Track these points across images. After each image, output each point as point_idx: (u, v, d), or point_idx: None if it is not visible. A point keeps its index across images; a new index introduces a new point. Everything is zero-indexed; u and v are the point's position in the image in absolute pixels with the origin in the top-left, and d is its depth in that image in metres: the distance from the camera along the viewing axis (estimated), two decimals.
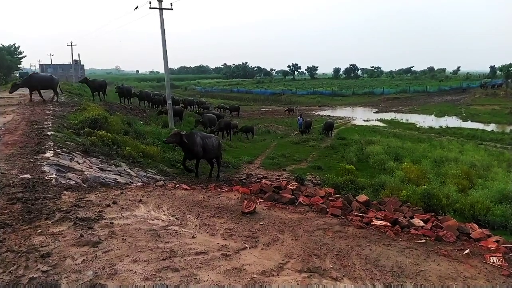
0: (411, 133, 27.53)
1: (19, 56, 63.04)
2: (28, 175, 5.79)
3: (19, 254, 3.33)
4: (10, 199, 4.73)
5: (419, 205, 8.18)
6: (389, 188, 10.65)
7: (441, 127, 30.71)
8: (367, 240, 4.25)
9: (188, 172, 10.92)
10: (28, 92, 16.74)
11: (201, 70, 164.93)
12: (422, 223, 5.22)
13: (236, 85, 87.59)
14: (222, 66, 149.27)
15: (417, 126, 31.81)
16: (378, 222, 4.88)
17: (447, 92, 62.25)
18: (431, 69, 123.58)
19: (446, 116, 38.87)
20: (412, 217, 5.68)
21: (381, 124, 34.15)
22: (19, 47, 62.70)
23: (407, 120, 36.06)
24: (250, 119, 36.01)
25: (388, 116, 40.10)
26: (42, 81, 17.31)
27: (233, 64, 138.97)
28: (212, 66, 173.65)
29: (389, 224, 4.93)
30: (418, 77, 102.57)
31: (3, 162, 6.50)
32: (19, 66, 62.91)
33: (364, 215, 5.39)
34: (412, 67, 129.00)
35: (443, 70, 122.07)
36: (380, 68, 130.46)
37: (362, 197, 6.39)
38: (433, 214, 6.34)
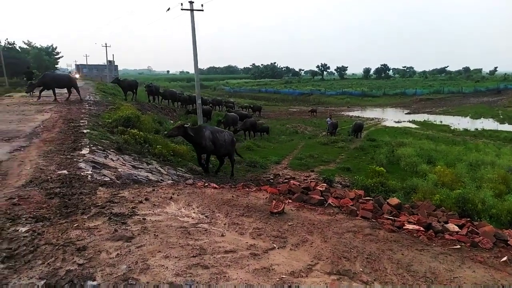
0: (445, 135, 26.64)
1: (56, 56, 65.90)
2: (65, 171, 6.03)
3: (57, 247, 3.47)
4: (48, 194, 4.95)
5: (453, 210, 7.91)
6: (422, 191, 10.37)
7: (476, 129, 29.54)
8: (399, 244, 4.15)
9: (205, 172, 10.61)
10: (52, 92, 16.82)
11: (230, 70, 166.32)
12: (457, 229, 5.04)
13: (264, 85, 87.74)
14: (250, 66, 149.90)
15: (451, 128, 30.76)
16: (410, 226, 4.76)
17: (483, 93, 59.83)
18: (466, 69, 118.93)
19: (482, 118, 37.36)
20: (446, 222, 5.50)
21: (413, 125, 33.24)
22: (56, 47, 65.61)
23: (441, 121, 34.92)
24: (278, 120, 35.97)
25: (421, 117, 38.97)
26: (57, 80, 17.42)
27: (262, 64, 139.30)
28: (240, 66, 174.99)
29: (422, 228, 4.79)
30: (452, 78, 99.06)
31: (41, 158, 6.82)
32: (56, 66, 65.65)
33: (395, 218, 5.27)
34: (446, 67, 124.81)
35: (479, 70, 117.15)
36: (412, 68, 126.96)
37: (394, 200, 6.25)
38: (468, 219, 6.12)
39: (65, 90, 17.86)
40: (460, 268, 3.66)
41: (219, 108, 36.78)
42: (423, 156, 16.43)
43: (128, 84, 24.23)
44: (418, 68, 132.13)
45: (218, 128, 11.54)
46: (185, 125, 10.03)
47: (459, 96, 59.00)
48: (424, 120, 36.50)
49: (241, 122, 23.24)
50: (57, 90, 17.15)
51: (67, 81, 17.74)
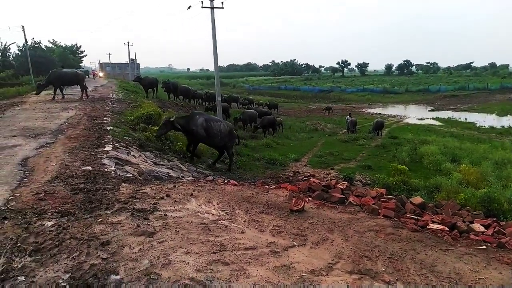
0: (470, 133, 25.86)
1: (81, 55, 67.44)
2: (89, 167, 6.18)
3: (81, 241, 3.56)
4: (73, 189, 5.09)
5: (478, 210, 7.69)
6: (445, 190, 10.11)
7: (503, 127, 28.50)
8: (423, 244, 4.06)
9: (189, 159, 10.10)
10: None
11: (250, 68, 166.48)
12: (482, 229, 4.91)
13: (284, 82, 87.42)
14: (270, 64, 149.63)
15: (477, 125, 29.81)
16: (434, 226, 4.65)
17: (510, 90, 57.66)
18: (492, 65, 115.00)
19: (508, 115, 36.03)
20: (471, 222, 5.36)
21: (437, 123, 32.40)
22: (80, 46, 67.13)
23: (466, 119, 33.91)
24: (297, 117, 35.76)
25: (445, 114, 37.97)
26: (63, 77, 16.80)
27: (281, 62, 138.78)
28: (260, 63, 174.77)
29: (446, 228, 4.68)
30: (478, 74, 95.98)
31: (67, 155, 7.00)
32: (80, 64, 67.23)
33: (419, 218, 5.16)
34: (471, 62, 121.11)
35: (506, 66, 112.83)
36: (436, 64, 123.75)
37: (417, 199, 6.12)
38: (494, 219, 5.93)
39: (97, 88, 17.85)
40: (486, 269, 3.56)
41: (236, 105, 36.77)
42: (447, 154, 16.00)
43: (149, 82, 24.58)
44: (443, 64, 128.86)
45: (214, 117, 11.02)
46: (171, 119, 9.68)
47: (484, 92, 57.13)
48: (448, 117, 35.53)
49: (259, 119, 23.10)
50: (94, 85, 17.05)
51: (74, 78, 17.12)
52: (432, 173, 13.34)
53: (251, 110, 24.76)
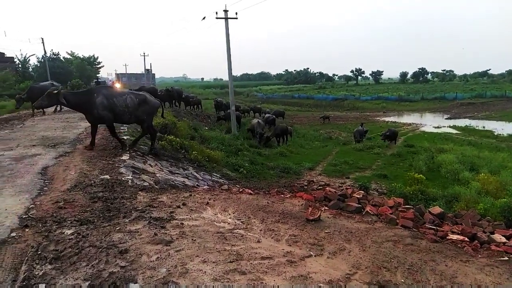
0: (488, 141, 25.31)
1: (98, 66, 69.01)
2: (107, 176, 6.28)
3: (100, 249, 3.60)
4: (92, 198, 5.17)
5: (499, 220, 7.49)
6: (464, 200, 9.89)
7: None
8: (442, 255, 3.97)
9: (122, 147, 8.70)
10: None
11: (263, 77, 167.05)
12: (504, 239, 4.77)
13: (297, 91, 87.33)
14: (283, 72, 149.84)
15: (495, 133, 29.17)
16: (454, 237, 4.55)
17: None
18: (510, 72, 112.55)
19: None
20: (492, 233, 5.22)
21: (454, 131, 31.84)
22: (97, 57, 68.76)
23: (483, 127, 33.23)
24: (311, 125, 35.64)
25: (462, 122, 37.29)
26: (43, 91, 16.25)
27: (295, 70, 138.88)
28: (273, 72, 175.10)
29: (466, 239, 4.57)
30: (495, 81, 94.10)
31: (85, 164, 7.13)
32: (97, 75, 68.75)
33: (438, 228, 5.06)
34: (488, 70, 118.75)
35: None
36: (452, 71, 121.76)
37: (436, 209, 6.01)
38: None
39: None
40: (508, 280, 3.46)
41: (248, 114, 36.75)
42: (465, 163, 15.68)
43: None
44: (459, 72, 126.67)
45: (116, 91, 8.93)
46: (55, 91, 7.94)
47: (502, 100, 55.89)
48: (466, 125, 34.88)
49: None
50: None
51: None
52: (450, 183, 13.09)
53: (257, 120, 23.59)
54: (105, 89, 8.71)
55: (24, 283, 3.01)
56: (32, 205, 4.80)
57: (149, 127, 9.01)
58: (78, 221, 4.31)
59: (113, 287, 2.98)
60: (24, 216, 4.38)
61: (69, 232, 3.99)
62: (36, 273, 3.17)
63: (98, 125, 8.82)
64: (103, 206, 4.87)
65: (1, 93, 31.92)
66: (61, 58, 58.92)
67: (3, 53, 49.75)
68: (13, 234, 3.88)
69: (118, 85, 27.49)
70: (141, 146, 9.47)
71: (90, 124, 8.64)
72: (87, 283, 3.02)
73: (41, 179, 6.04)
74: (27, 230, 4.00)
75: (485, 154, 18.51)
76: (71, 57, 62.87)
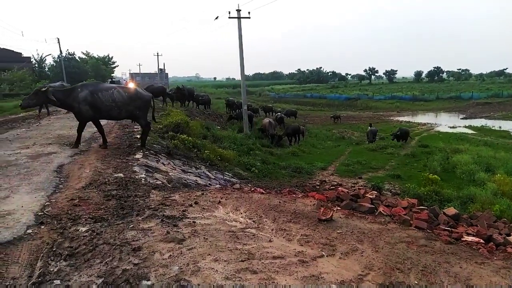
0: (505, 142, 24.75)
1: (112, 66, 69.91)
2: (121, 174, 6.35)
3: (114, 246, 3.64)
4: (106, 196, 5.24)
5: None
6: (480, 201, 9.71)
7: None
8: (457, 257, 3.91)
9: (76, 144, 8.56)
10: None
11: (275, 76, 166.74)
12: None
13: (310, 90, 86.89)
14: (296, 72, 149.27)
15: None
16: (469, 238, 4.47)
17: None
18: None
19: None
20: (508, 234, 5.12)
21: (470, 131, 31.25)
22: (112, 57, 69.67)
23: (500, 127, 32.52)
24: (324, 125, 35.44)
25: (478, 122, 36.57)
26: None
27: (307, 70, 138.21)
28: (286, 71, 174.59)
29: (482, 240, 4.49)
30: None
31: (99, 162, 7.23)
32: (112, 75, 69.63)
33: (453, 229, 4.98)
34: (505, 69, 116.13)
35: None
36: (468, 70, 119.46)
37: (451, 210, 5.91)
38: None
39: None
40: None
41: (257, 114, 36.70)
42: (481, 164, 15.37)
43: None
44: (475, 71, 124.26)
45: (104, 85, 8.60)
46: (43, 89, 7.94)
47: None
48: (482, 125, 34.18)
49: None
50: None
51: None
52: (465, 183, 12.86)
53: (268, 119, 23.00)
54: (92, 85, 8.48)
55: (39, 279, 3.06)
56: (48, 203, 4.88)
57: (142, 124, 8.82)
58: (92, 218, 4.37)
59: (126, 284, 3.01)
60: (39, 213, 4.46)
61: (83, 229, 4.05)
62: (51, 269, 3.22)
63: (99, 124, 8.77)
64: (117, 204, 4.93)
65: (18, 92, 32.64)
66: (77, 58, 59.85)
67: (20, 53, 50.81)
68: (29, 231, 3.96)
69: (131, 84, 27.65)
70: (154, 145, 9.56)
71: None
72: (100, 280, 3.06)
73: (57, 177, 6.15)
74: (42, 227, 4.08)
75: (501, 154, 18.11)
76: (86, 57, 63.80)
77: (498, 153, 18.43)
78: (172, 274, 3.15)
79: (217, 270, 3.25)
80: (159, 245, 3.71)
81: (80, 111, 8.04)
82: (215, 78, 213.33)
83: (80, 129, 8.52)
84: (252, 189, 7.20)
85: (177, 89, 24.92)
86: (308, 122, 37.02)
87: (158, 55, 63.96)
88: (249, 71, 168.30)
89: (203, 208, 5.05)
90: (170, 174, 7.17)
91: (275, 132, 21.32)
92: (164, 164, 7.92)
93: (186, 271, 3.21)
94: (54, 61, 54.32)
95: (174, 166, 8.17)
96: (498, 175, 12.49)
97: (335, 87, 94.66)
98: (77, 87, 8.23)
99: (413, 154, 19.08)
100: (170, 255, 3.50)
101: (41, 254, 3.47)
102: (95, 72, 57.45)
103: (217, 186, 7.52)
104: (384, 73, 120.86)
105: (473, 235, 4.71)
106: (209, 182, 7.91)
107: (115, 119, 9.12)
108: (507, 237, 4.85)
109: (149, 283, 3.02)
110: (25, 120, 14.38)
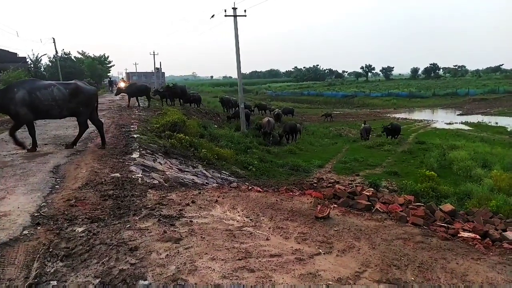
0: (501, 138, 24.88)
1: (109, 65, 69.62)
2: (117, 174, 6.34)
3: (111, 246, 3.63)
4: (102, 196, 5.22)
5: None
6: (477, 197, 9.76)
7: None
8: (453, 253, 3.92)
9: (19, 145, 7.92)
10: None
11: (272, 74, 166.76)
12: None
13: (307, 88, 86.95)
14: (292, 70, 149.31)
15: (508, 129, 28.67)
16: (465, 234, 4.49)
17: None
18: None
19: None
20: (504, 230, 5.14)
21: (466, 127, 31.40)
22: (108, 57, 69.34)
23: (496, 123, 32.69)
24: (321, 122, 35.49)
25: (474, 118, 36.74)
26: None
27: (304, 67, 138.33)
28: (282, 69, 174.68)
29: (478, 236, 4.50)
30: (508, 76, 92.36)
31: (96, 162, 7.21)
32: (108, 74, 69.35)
33: (449, 226, 5.00)
34: (501, 65, 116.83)
35: None
36: (464, 66, 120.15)
37: (447, 207, 5.93)
38: None
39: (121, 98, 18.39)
40: None
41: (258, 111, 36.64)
42: (478, 160, 15.46)
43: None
44: (471, 67, 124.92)
45: (42, 83, 7.84)
46: None
47: None
48: (478, 121, 34.38)
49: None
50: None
51: None
52: (462, 180, 12.93)
53: (267, 118, 23.23)
54: (28, 82, 7.78)
55: (36, 280, 3.05)
56: (44, 203, 4.86)
57: (82, 122, 8.24)
58: (89, 218, 4.36)
59: (123, 284, 3.01)
60: (36, 214, 4.44)
61: (80, 229, 4.03)
62: (48, 270, 3.21)
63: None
64: (113, 204, 4.92)
65: None
66: (73, 57, 59.48)
67: (16, 53, 50.39)
68: (25, 232, 3.94)
69: (122, 84, 27.42)
70: (151, 144, 9.54)
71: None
72: (97, 280, 3.06)
73: (53, 177, 6.12)
74: (39, 228, 4.06)
75: (498, 150, 18.22)
76: (82, 57, 63.48)
77: (495, 149, 18.53)
78: (169, 274, 3.15)
79: (214, 269, 3.25)
80: (156, 245, 3.70)
81: (18, 114, 7.31)
82: (212, 76, 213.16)
83: (31, 131, 7.90)
84: (249, 187, 7.19)
85: (166, 87, 25.12)
86: (305, 120, 37.06)
87: (154, 54, 63.89)
88: (246, 70, 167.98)
89: (200, 207, 5.05)
90: (167, 173, 7.16)
91: (270, 130, 21.33)
92: (161, 164, 7.91)
93: (183, 271, 3.21)
94: (50, 61, 53.98)
95: (171, 165, 8.16)
96: (495, 171, 12.56)
97: (332, 85, 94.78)
98: (13, 87, 7.47)
99: (410, 150, 19.17)
100: (167, 254, 3.50)
101: (38, 255, 3.45)
102: (91, 71, 57.18)
103: (214, 185, 7.52)
104: (380, 70, 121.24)
105: (470, 231, 4.72)
106: (206, 181, 7.90)
107: (56, 118, 8.37)
108: (504, 233, 4.88)
109: (146, 283, 3.01)
110: None
